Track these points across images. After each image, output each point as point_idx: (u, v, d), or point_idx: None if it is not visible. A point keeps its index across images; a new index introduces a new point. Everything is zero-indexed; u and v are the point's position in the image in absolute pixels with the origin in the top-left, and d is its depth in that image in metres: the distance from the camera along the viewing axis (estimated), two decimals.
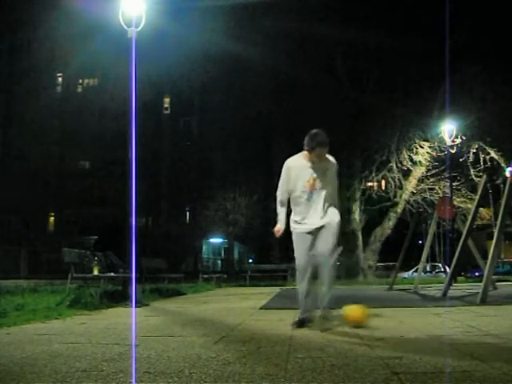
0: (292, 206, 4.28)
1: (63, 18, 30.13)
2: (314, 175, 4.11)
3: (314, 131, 4.11)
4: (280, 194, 4.37)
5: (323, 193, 4.13)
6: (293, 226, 4.23)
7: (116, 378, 2.37)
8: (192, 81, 33.61)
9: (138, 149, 7.38)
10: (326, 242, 4.05)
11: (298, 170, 4.17)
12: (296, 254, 4.19)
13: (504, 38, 18.23)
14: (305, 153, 4.19)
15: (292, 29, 21.91)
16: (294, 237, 4.23)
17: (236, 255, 34.48)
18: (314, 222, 4.11)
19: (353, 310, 4.09)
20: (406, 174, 19.00)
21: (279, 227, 4.32)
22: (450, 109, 16.70)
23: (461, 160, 17.58)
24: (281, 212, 4.33)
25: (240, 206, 26.64)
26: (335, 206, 4.23)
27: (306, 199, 4.13)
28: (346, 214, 17.96)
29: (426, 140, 18.32)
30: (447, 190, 17.08)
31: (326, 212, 4.12)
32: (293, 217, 4.25)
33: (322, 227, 4.09)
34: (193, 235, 31.38)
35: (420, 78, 19.25)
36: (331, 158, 4.22)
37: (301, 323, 4.10)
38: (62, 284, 10.04)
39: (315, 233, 4.10)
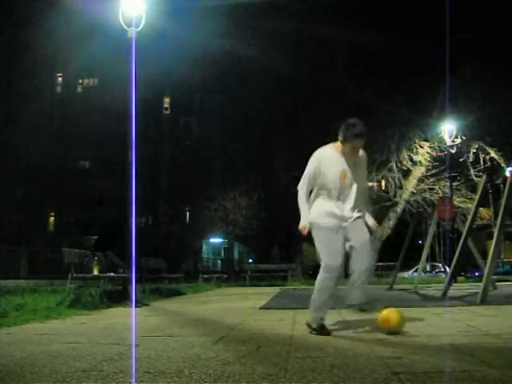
0: (316, 200, 3.89)
1: (63, 18, 30.14)
2: (346, 169, 3.76)
3: (352, 121, 3.72)
4: (303, 187, 3.91)
5: (354, 188, 3.79)
6: (319, 220, 3.81)
7: (116, 377, 2.37)
8: (192, 81, 33.61)
9: (138, 149, 7.38)
10: (362, 233, 3.74)
11: (328, 162, 3.78)
12: (326, 253, 3.74)
13: (504, 38, 18.23)
14: (336, 144, 3.82)
15: (292, 29, 21.92)
16: (320, 233, 3.80)
17: (236, 255, 34.48)
18: (345, 215, 3.75)
19: (390, 316, 3.69)
20: (406, 173, 19.01)
21: (305, 224, 3.86)
22: (449, 109, 16.71)
23: (461, 160, 17.59)
24: (304, 207, 3.89)
25: (240, 206, 26.63)
26: (367, 204, 3.95)
27: (336, 194, 3.78)
28: None
29: (426, 140, 18.32)
30: (447, 190, 17.08)
31: (355, 209, 3.79)
32: (317, 211, 3.84)
33: (354, 220, 3.76)
34: (193, 235, 31.38)
35: (420, 78, 19.25)
36: (362, 152, 3.87)
37: (323, 327, 3.74)
38: (62, 284, 10.04)
39: (348, 227, 3.75)
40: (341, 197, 3.78)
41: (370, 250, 3.74)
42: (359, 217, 3.80)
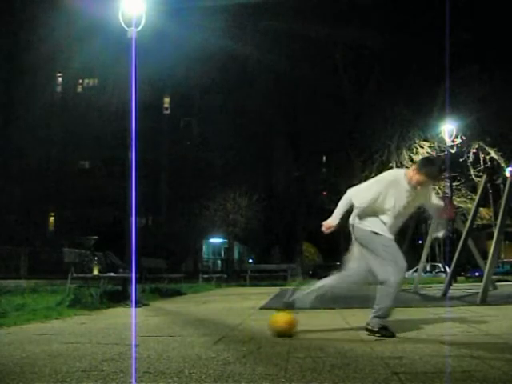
0: (368, 214, 3.82)
1: (63, 18, 30.12)
2: (409, 202, 3.78)
3: (436, 160, 3.92)
4: (360, 201, 3.78)
5: (403, 219, 3.88)
6: (378, 228, 3.76)
7: (116, 377, 2.37)
8: (192, 81, 33.59)
9: (138, 149, 7.38)
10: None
11: (397, 189, 3.74)
12: (392, 257, 3.68)
13: (504, 38, 18.25)
14: (407, 171, 3.83)
15: (292, 29, 21.92)
16: (383, 239, 3.74)
17: (236, 255, 34.47)
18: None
19: (279, 318, 3.80)
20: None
21: (331, 224, 3.81)
22: (449, 109, 16.71)
23: (461, 160, 17.59)
24: (342, 210, 3.82)
25: (240, 206, 26.63)
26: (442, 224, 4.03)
27: (391, 222, 3.78)
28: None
29: (425, 140, 18.34)
30: (447, 190, 17.08)
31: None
32: (373, 221, 3.80)
33: None
34: (193, 235, 31.36)
35: (420, 78, 19.27)
36: (429, 187, 3.94)
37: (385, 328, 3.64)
38: (62, 284, 10.02)
39: None
40: (392, 224, 3.80)
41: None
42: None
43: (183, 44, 24.77)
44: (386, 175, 3.85)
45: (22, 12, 31.05)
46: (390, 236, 3.78)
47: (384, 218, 3.78)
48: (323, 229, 3.85)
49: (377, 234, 3.75)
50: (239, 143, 31.05)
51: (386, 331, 3.54)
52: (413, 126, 18.37)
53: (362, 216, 3.83)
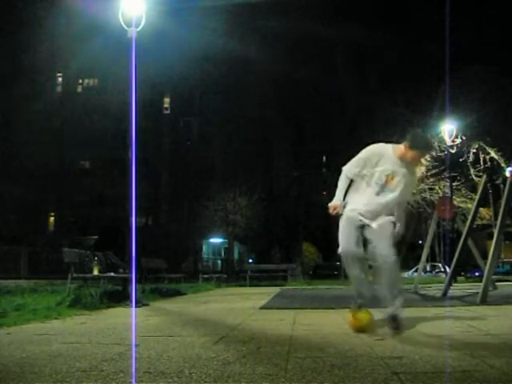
0: (351, 192, 3.89)
1: (63, 18, 30.16)
2: (395, 173, 3.75)
3: (424, 133, 3.87)
4: (349, 171, 3.88)
5: (393, 195, 3.77)
6: (347, 208, 3.85)
7: (116, 377, 2.37)
8: (192, 81, 33.59)
9: (138, 149, 7.38)
10: (384, 246, 3.67)
11: (383, 158, 3.76)
12: (340, 239, 3.80)
13: (504, 39, 18.26)
14: (399, 146, 3.84)
15: (292, 29, 21.94)
16: (343, 219, 3.84)
17: (236, 255, 34.47)
18: (370, 207, 3.75)
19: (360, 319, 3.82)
20: None
21: (336, 204, 3.83)
22: (449, 109, 16.72)
23: (461, 160, 17.59)
24: (341, 188, 3.87)
25: (240, 206, 26.63)
26: (402, 215, 3.88)
27: (375, 193, 3.76)
28: None
29: None
30: (447, 190, 17.08)
31: (387, 213, 3.78)
32: (350, 200, 3.87)
33: (376, 223, 3.74)
34: (193, 235, 31.37)
35: (420, 78, 19.28)
36: (417, 165, 4.01)
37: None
38: (62, 284, 10.03)
39: (366, 228, 3.76)
40: (377, 195, 3.76)
41: (395, 266, 3.67)
42: (388, 221, 3.77)
43: (183, 44, 24.78)
44: (372, 146, 3.89)
45: (22, 12, 31.04)
46: (353, 214, 3.77)
47: (367, 193, 3.78)
48: (330, 211, 3.87)
49: (341, 214, 3.84)
50: (239, 143, 31.06)
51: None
52: (413, 126, 18.36)
53: (349, 197, 3.88)
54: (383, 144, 3.92)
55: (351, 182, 3.94)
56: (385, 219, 3.78)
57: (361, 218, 3.78)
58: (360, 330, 3.73)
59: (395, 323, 3.59)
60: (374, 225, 3.75)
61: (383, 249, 3.68)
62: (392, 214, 3.83)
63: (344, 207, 3.87)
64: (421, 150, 3.80)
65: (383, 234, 3.73)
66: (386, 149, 3.85)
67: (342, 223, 3.85)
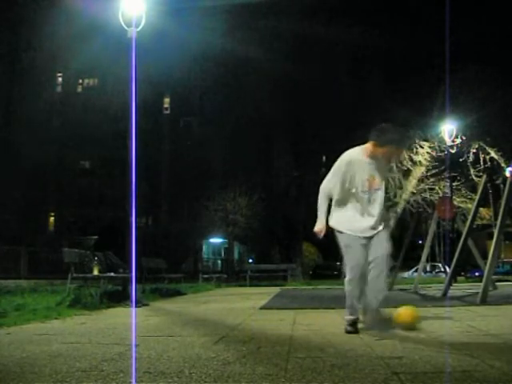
0: (341, 205, 3.81)
1: (63, 18, 30.13)
2: (373, 173, 3.70)
3: (391, 126, 3.70)
4: (327, 189, 3.81)
5: (379, 194, 3.75)
6: (343, 226, 3.79)
7: (116, 378, 2.37)
8: (192, 81, 33.60)
9: (138, 149, 7.38)
10: (384, 247, 3.71)
11: (357, 165, 3.71)
12: (350, 259, 3.76)
13: (504, 38, 18.27)
14: (364, 146, 3.78)
15: (292, 29, 21.94)
16: (345, 239, 3.78)
17: (236, 255, 34.46)
18: (374, 224, 3.73)
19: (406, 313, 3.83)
20: (406, 173, 19.00)
21: (321, 227, 3.81)
22: (449, 109, 16.72)
23: (461, 160, 17.58)
24: (322, 209, 3.82)
25: (240, 206, 26.62)
26: (385, 210, 3.86)
27: (367, 200, 3.71)
28: None
29: (425, 140, 18.31)
30: (447, 190, 17.07)
31: (380, 216, 3.76)
32: (342, 216, 3.80)
33: (377, 233, 3.74)
34: (193, 235, 31.36)
35: (420, 78, 19.29)
36: (390, 160, 3.88)
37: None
38: (62, 284, 10.03)
39: (370, 238, 3.75)
40: (370, 203, 3.73)
41: (386, 268, 3.70)
42: (384, 227, 3.76)
43: (183, 44, 24.78)
44: (342, 157, 3.81)
45: (22, 12, 31.04)
46: (356, 233, 3.73)
47: (353, 206, 3.75)
48: (317, 235, 3.87)
49: (340, 232, 3.79)
50: (239, 143, 31.06)
51: (351, 327, 3.67)
52: (413, 126, 18.35)
53: (334, 212, 3.85)
54: (350, 150, 3.83)
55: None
56: (381, 226, 3.77)
57: (362, 235, 3.74)
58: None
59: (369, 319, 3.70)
60: (373, 235, 3.76)
61: (383, 248, 3.72)
62: (383, 209, 3.81)
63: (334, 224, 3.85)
64: (394, 146, 3.70)
65: (383, 239, 3.75)
66: (355, 154, 3.77)
67: (346, 241, 3.78)
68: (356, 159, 3.73)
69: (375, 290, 3.72)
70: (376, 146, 3.69)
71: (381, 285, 3.72)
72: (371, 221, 3.74)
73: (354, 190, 3.72)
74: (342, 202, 3.81)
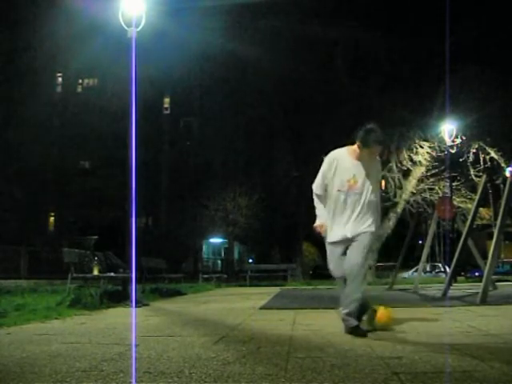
0: (326, 204, 3.84)
1: (63, 18, 30.11)
2: (357, 175, 3.68)
3: (371, 126, 3.69)
4: (316, 188, 3.87)
5: (362, 198, 3.69)
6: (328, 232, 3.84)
7: (116, 378, 2.37)
8: (192, 81, 33.59)
9: (138, 149, 7.38)
10: (355, 257, 3.67)
11: (341, 165, 3.72)
12: (328, 262, 3.91)
13: (504, 39, 18.26)
14: (352, 147, 3.78)
15: (292, 29, 21.93)
16: (326, 244, 3.88)
17: (236, 255, 34.46)
18: (345, 231, 3.70)
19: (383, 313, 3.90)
20: (406, 174, 19.00)
21: (320, 223, 3.85)
22: (449, 109, 16.71)
23: (461, 160, 17.57)
24: (319, 207, 3.86)
25: (240, 206, 26.63)
26: (375, 213, 3.77)
27: (342, 201, 3.70)
28: None
29: (425, 140, 18.31)
30: (447, 190, 17.07)
31: (360, 220, 3.69)
32: (326, 216, 3.84)
33: (353, 238, 3.70)
34: (193, 235, 31.36)
35: (420, 78, 19.27)
36: (377, 159, 3.84)
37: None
38: (62, 284, 10.04)
39: (346, 242, 3.75)
40: (346, 206, 3.70)
41: (358, 275, 3.68)
42: (361, 233, 3.70)
43: (183, 44, 24.77)
44: (327, 156, 3.86)
45: (22, 12, 31.04)
46: (331, 239, 3.79)
47: (329, 205, 3.78)
48: (317, 231, 3.92)
49: (324, 236, 3.88)
50: (239, 143, 31.05)
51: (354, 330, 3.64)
52: (413, 126, 18.34)
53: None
54: (337, 150, 3.84)
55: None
56: (363, 229, 3.71)
57: (332, 240, 3.80)
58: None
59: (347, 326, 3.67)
60: (353, 237, 3.73)
61: (353, 258, 3.69)
62: (368, 220, 3.74)
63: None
64: (375, 146, 3.69)
65: (358, 246, 3.71)
66: (341, 154, 3.79)
67: (328, 249, 3.89)
68: (340, 158, 3.76)
69: (344, 294, 3.76)
70: (360, 148, 3.70)
71: (349, 290, 3.70)
72: (342, 224, 3.72)
73: (330, 188, 3.76)
74: (327, 201, 3.85)
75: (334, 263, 3.85)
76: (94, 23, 23.06)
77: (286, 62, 22.68)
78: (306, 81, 23.15)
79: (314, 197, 3.90)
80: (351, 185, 3.69)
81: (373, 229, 3.72)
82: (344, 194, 3.70)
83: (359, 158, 3.72)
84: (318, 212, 3.89)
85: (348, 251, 3.74)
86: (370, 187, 3.73)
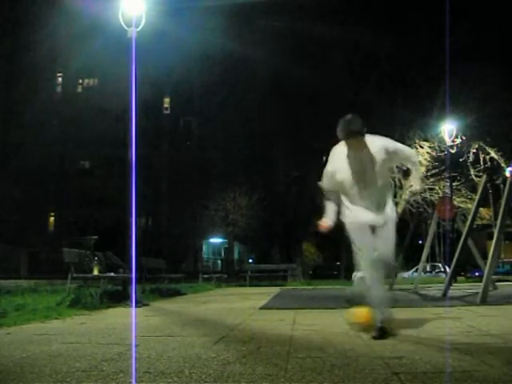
0: (342, 197, 3.76)
1: (63, 18, 30.14)
2: (358, 166, 3.57)
3: (345, 118, 3.53)
4: (324, 185, 3.82)
5: (376, 184, 3.59)
6: (346, 214, 3.72)
7: (116, 378, 2.37)
8: (192, 81, 33.59)
9: (138, 149, 7.38)
10: (386, 244, 3.58)
11: (341, 157, 3.64)
12: (359, 246, 3.66)
13: (504, 39, 18.27)
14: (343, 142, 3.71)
15: (292, 29, 21.95)
16: (351, 227, 3.69)
17: (236, 255, 34.47)
18: (369, 216, 3.60)
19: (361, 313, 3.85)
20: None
21: (325, 221, 3.83)
22: (449, 109, 16.72)
23: (461, 160, 17.58)
24: (328, 205, 3.83)
25: (240, 206, 26.63)
26: (389, 199, 3.70)
27: (355, 192, 3.62)
28: None
29: (426, 140, 18.31)
30: (447, 190, 17.07)
31: (381, 208, 3.61)
32: (345, 205, 3.73)
33: (380, 225, 3.61)
34: (193, 235, 31.37)
35: (420, 78, 19.29)
36: (378, 142, 3.63)
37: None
38: (62, 284, 10.03)
39: (372, 228, 3.63)
40: (362, 195, 3.61)
41: (389, 263, 3.64)
42: (386, 220, 3.62)
43: (183, 44, 24.79)
44: (333, 149, 3.79)
45: (22, 12, 31.05)
46: (354, 219, 3.65)
47: (351, 196, 3.68)
48: (320, 227, 3.89)
49: (347, 220, 3.73)
50: (239, 143, 31.05)
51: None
52: (413, 126, 18.35)
53: (345, 207, 3.79)
54: (337, 145, 3.76)
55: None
56: (388, 218, 3.65)
57: (366, 221, 3.65)
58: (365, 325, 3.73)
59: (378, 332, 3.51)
60: (379, 223, 3.63)
61: (385, 252, 3.61)
62: (386, 207, 3.69)
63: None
64: (351, 139, 3.52)
65: (387, 237, 3.64)
66: (338, 148, 3.73)
67: (352, 229, 3.71)
68: (339, 151, 3.70)
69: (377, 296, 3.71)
70: (343, 140, 3.59)
71: (377, 292, 3.70)
72: (369, 213, 3.63)
73: (341, 183, 3.67)
74: (343, 195, 3.76)
75: (368, 244, 3.62)
76: (94, 23, 23.08)
77: (286, 62, 22.70)
78: (306, 80, 23.17)
79: (325, 195, 3.86)
80: (356, 176, 3.61)
81: (394, 215, 3.70)
82: (354, 187, 3.62)
83: (353, 150, 3.60)
84: (327, 211, 3.87)
85: (377, 239, 3.63)
86: (378, 174, 3.62)
